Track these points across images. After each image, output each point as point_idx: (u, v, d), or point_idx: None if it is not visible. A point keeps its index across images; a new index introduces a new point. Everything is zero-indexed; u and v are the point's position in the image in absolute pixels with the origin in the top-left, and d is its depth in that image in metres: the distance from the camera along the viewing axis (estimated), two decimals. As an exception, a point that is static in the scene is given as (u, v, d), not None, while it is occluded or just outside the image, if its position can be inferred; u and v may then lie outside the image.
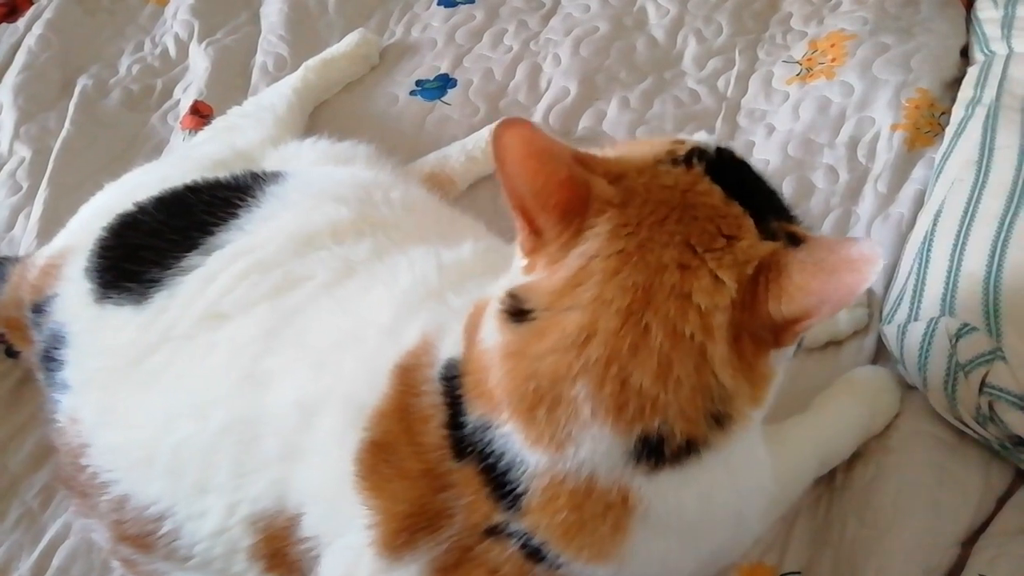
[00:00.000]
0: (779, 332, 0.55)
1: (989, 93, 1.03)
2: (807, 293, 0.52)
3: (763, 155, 1.10)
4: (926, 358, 0.81)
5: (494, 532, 0.59)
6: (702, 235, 0.55)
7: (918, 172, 1.04)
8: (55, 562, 0.85)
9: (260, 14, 1.39)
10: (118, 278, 0.77)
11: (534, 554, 0.59)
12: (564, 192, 0.56)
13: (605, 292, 0.55)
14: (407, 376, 0.63)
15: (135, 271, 0.77)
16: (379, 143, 1.03)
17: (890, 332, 0.87)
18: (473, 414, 0.59)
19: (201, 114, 1.21)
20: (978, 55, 1.14)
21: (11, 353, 0.94)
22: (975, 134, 0.98)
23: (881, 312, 0.91)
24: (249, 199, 0.79)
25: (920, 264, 0.89)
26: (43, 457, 0.91)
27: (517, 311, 0.57)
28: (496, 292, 0.60)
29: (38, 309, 0.82)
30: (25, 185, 1.16)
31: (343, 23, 1.36)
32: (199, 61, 1.31)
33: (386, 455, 0.62)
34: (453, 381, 0.61)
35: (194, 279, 0.75)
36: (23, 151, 1.20)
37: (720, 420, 0.56)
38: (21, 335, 0.87)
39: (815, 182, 1.06)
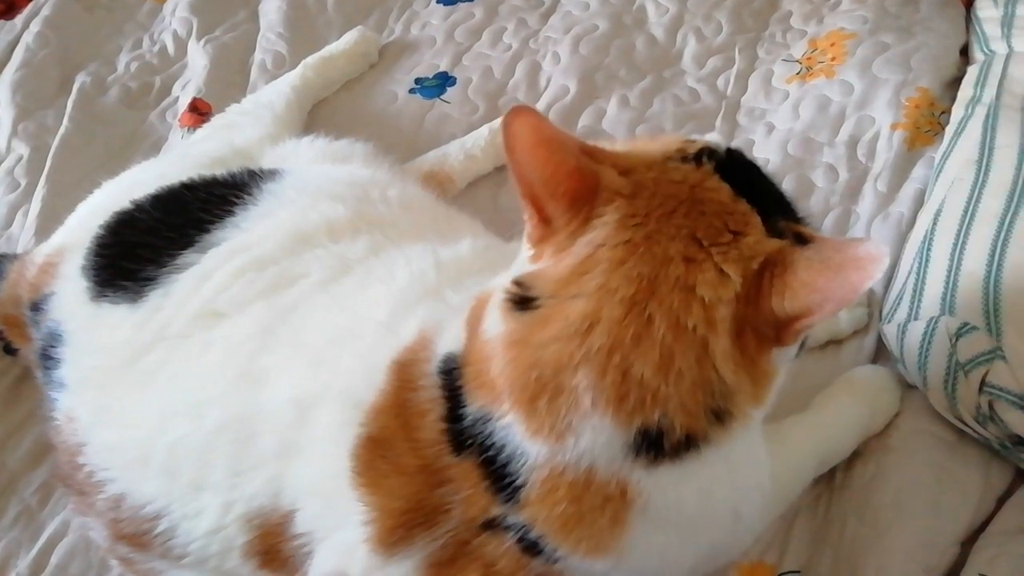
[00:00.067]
0: (781, 329, 0.55)
1: (989, 92, 1.03)
2: (811, 290, 0.52)
3: (763, 154, 1.10)
4: (926, 357, 0.81)
5: (491, 526, 0.59)
6: (709, 230, 0.56)
7: (918, 171, 1.04)
8: (53, 559, 0.84)
9: (259, 11, 1.39)
10: (114, 276, 0.77)
11: (531, 547, 0.58)
12: (573, 181, 0.56)
13: (610, 281, 0.55)
14: (404, 372, 0.63)
15: (131, 269, 0.77)
16: (378, 141, 1.03)
17: (890, 331, 0.86)
18: (473, 405, 0.59)
19: (200, 112, 1.21)
20: (978, 54, 1.14)
21: (9, 350, 0.94)
22: (975, 133, 0.98)
23: (881, 311, 0.91)
24: (246, 197, 0.79)
25: (920, 263, 0.89)
26: (41, 454, 0.91)
27: (522, 299, 0.57)
28: (500, 283, 0.60)
29: (36, 307, 0.82)
30: (23, 182, 1.16)
31: (342, 21, 1.36)
32: (198, 58, 1.31)
33: (383, 451, 0.62)
34: (452, 374, 0.61)
35: (189, 277, 0.74)
36: (21, 148, 1.20)
37: (720, 416, 0.56)
38: (20, 332, 0.87)
39: (815, 181, 1.06)
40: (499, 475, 0.58)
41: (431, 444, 0.60)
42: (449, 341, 0.63)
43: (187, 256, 0.75)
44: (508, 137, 0.56)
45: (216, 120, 1.11)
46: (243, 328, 0.71)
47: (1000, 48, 1.11)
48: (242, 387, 0.68)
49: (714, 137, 0.64)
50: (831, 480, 0.82)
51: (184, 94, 1.26)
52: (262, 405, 0.67)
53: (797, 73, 1.19)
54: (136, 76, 1.31)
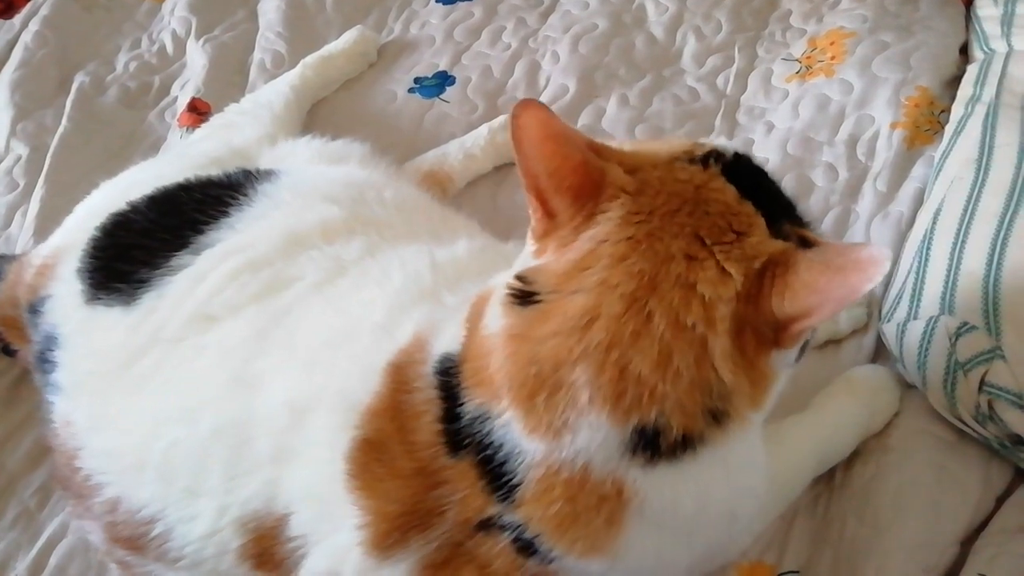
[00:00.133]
0: (780, 330, 0.55)
1: (989, 91, 1.03)
2: (811, 291, 0.52)
3: (762, 153, 1.09)
4: (925, 357, 0.81)
5: (487, 526, 0.59)
6: (712, 229, 0.56)
7: (918, 170, 1.04)
8: (52, 560, 0.84)
9: (258, 11, 1.39)
10: (108, 279, 0.77)
11: (526, 548, 0.58)
12: (578, 176, 0.57)
13: (611, 277, 0.55)
14: (400, 373, 0.63)
15: (125, 271, 0.76)
16: (377, 141, 1.03)
17: (889, 331, 0.86)
18: (471, 403, 0.59)
19: (199, 111, 1.21)
20: (978, 53, 1.14)
21: (8, 352, 0.94)
22: (975, 132, 0.98)
23: (880, 311, 0.91)
24: (241, 197, 0.79)
25: (920, 262, 0.89)
26: (40, 456, 0.91)
27: (523, 294, 0.57)
28: (502, 280, 0.60)
29: (33, 309, 0.82)
30: (22, 183, 1.16)
31: (341, 20, 1.35)
32: (197, 58, 1.30)
33: (378, 454, 0.61)
34: (449, 374, 0.61)
35: (183, 279, 0.74)
36: (20, 148, 1.20)
37: (718, 417, 0.56)
38: (18, 333, 0.87)
39: (814, 180, 1.06)
40: (496, 474, 0.58)
41: (427, 446, 0.60)
42: (446, 342, 0.63)
43: (181, 258, 0.75)
44: (516, 129, 0.56)
45: (215, 120, 1.11)
46: (237, 331, 0.71)
47: (1000, 47, 1.11)
48: (236, 391, 0.68)
49: (723, 141, 0.64)
50: (831, 480, 0.82)
51: (183, 94, 1.26)
52: (256, 409, 0.67)
53: (797, 72, 1.19)
54: (135, 76, 1.31)
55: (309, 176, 0.86)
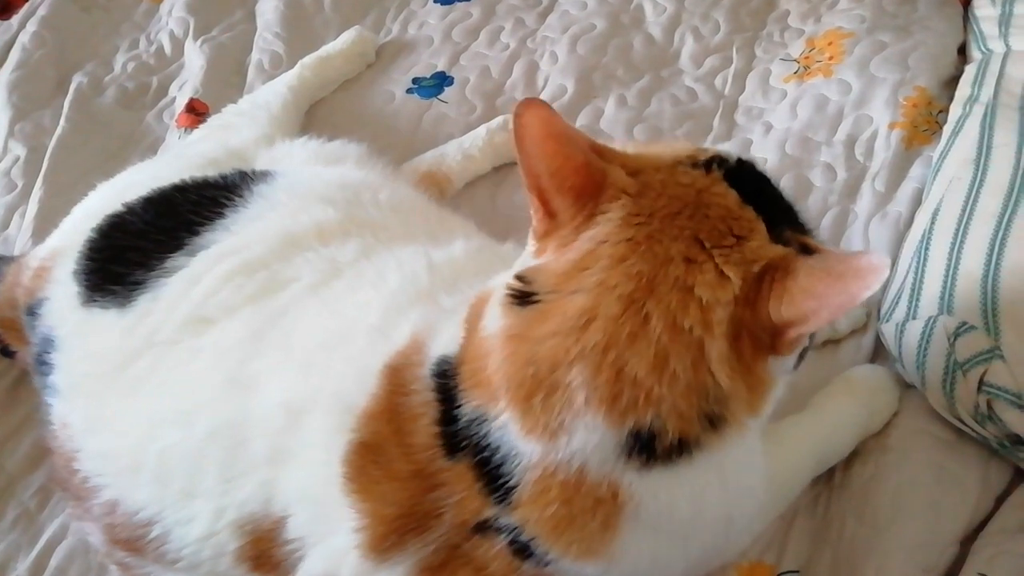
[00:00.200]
0: (776, 336, 0.55)
1: (987, 91, 1.03)
2: (809, 296, 0.52)
3: (761, 153, 1.10)
4: (924, 357, 0.81)
5: (483, 528, 0.59)
6: (712, 232, 0.56)
7: (916, 170, 1.04)
8: (52, 562, 0.84)
9: (256, 11, 1.39)
10: (104, 280, 0.77)
11: (523, 550, 0.58)
12: (580, 176, 0.57)
13: (610, 278, 0.55)
14: (396, 376, 0.63)
15: (120, 273, 0.76)
16: (375, 141, 1.03)
17: (888, 331, 0.86)
18: (468, 405, 0.59)
19: (197, 112, 1.21)
20: (975, 53, 1.14)
21: (7, 353, 0.94)
22: (973, 132, 0.98)
23: (879, 311, 0.91)
24: (236, 199, 0.79)
25: (918, 262, 0.89)
26: (40, 457, 0.90)
27: (523, 294, 0.57)
28: (502, 280, 0.60)
29: (31, 312, 0.82)
30: (20, 184, 1.16)
31: (339, 20, 1.35)
32: (195, 59, 1.30)
33: (375, 456, 0.61)
34: (446, 376, 0.61)
35: (178, 281, 0.74)
36: (18, 149, 1.19)
37: (714, 422, 0.55)
38: (17, 335, 0.87)
39: (813, 180, 1.06)
40: (493, 476, 0.58)
41: (424, 449, 0.60)
42: (443, 344, 0.63)
43: (176, 259, 0.75)
44: (518, 128, 0.56)
45: (212, 121, 1.11)
46: (232, 333, 0.71)
47: (998, 47, 1.11)
48: (232, 393, 0.68)
49: (726, 147, 0.64)
50: (830, 480, 0.82)
51: (181, 94, 1.26)
52: (252, 411, 0.67)
53: (795, 72, 1.19)
54: (133, 76, 1.31)
55: (305, 177, 0.86)
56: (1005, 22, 1.11)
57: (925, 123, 1.08)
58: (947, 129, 1.04)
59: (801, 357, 0.60)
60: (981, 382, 0.77)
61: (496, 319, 0.58)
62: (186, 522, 0.67)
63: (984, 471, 0.80)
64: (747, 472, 0.63)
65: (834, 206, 1.03)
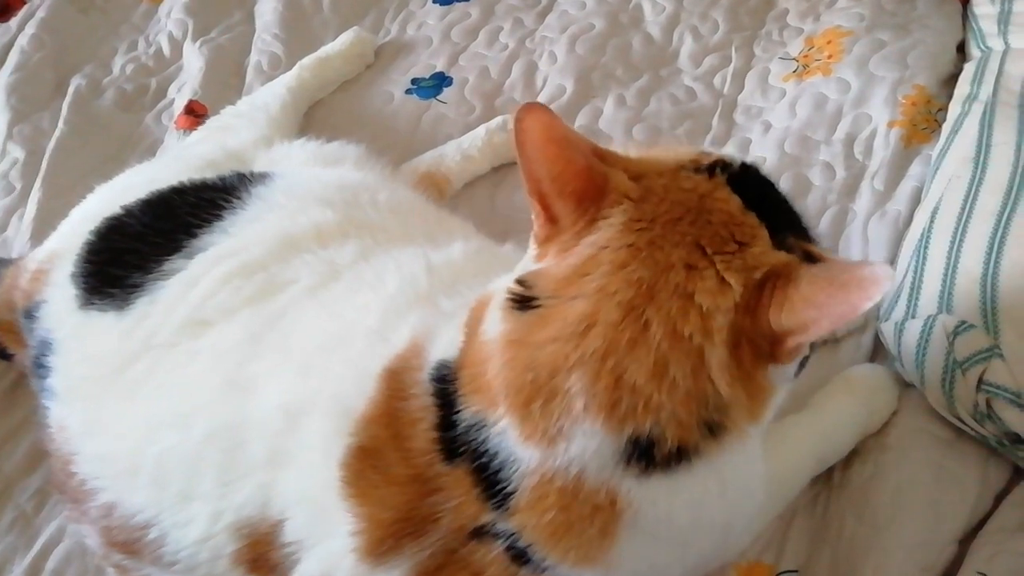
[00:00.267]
0: (776, 344, 0.54)
1: (986, 89, 1.03)
2: (810, 305, 0.52)
3: (760, 152, 1.09)
4: (923, 355, 0.81)
5: (480, 533, 0.58)
6: (714, 239, 0.55)
7: (915, 169, 1.03)
8: (49, 565, 0.84)
9: (254, 13, 1.39)
10: (102, 283, 0.77)
11: (520, 556, 0.58)
12: (581, 180, 0.56)
13: (610, 284, 0.54)
14: (395, 380, 0.63)
15: (118, 276, 0.76)
16: (374, 142, 1.03)
17: (887, 330, 0.86)
18: (468, 410, 0.58)
19: (196, 114, 1.21)
20: (974, 51, 1.14)
21: (5, 356, 0.94)
22: (972, 131, 0.98)
23: (878, 309, 0.91)
24: (234, 200, 0.79)
25: (917, 261, 0.88)
26: (37, 460, 0.90)
27: (523, 298, 0.57)
28: (502, 284, 0.59)
29: (29, 315, 0.82)
30: (18, 186, 1.16)
31: (338, 21, 1.35)
32: (193, 60, 1.30)
33: (373, 461, 0.61)
34: (445, 381, 0.60)
35: (176, 283, 0.74)
36: (16, 152, 1.20)
37: (714, 429, 0.55)
38: (15, 338, 0.87)
39: (812, 179, 1.06)
40: (491, 481, 0.57)
41: (422, 453, 0.59)
42: (442, 348, 0.62)
43: (174, 262, 0.75)
44: (519, 132, 0.56)
45: (211, 122, 1.11)
46: (230, 336, 0.70)
47: (997, 45, 1.11)
48: (230, 396, 0.68)
49: (730, 151, 0.64)
50: (829, 479, 0.82)
51: (180, 96, 1.26)
52: (250, 413, 0.66)
53: (794, 71, 1.19)
54: (132, 78, 1.31)
55: (303, 179, 0.86)
56: (1004, 20, 1.10)
57: (924, 121, 1.08)
58: (946, 127, 1.04)
59: (802, 365, 0.60)
60: (980, 381, 0.76)
61: (496, 323, 0.58)
62: (183, 525, 0.67)
63: (983, 470, 0.79)
64: (747, 479, 0.63)
65: (833, 205, 1.03)
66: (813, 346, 0.59)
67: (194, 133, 1.13)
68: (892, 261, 0.94)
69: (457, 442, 0.58)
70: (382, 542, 0.60)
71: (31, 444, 0.91)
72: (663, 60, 1.23)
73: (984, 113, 0.99)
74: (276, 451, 0.65)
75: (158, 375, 0.71)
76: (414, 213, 0.85)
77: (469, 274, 0.71)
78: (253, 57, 1.30)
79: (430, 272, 0.71)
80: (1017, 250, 0.81)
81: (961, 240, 0.86)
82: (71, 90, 1.27)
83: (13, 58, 1.31)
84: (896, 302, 0.88)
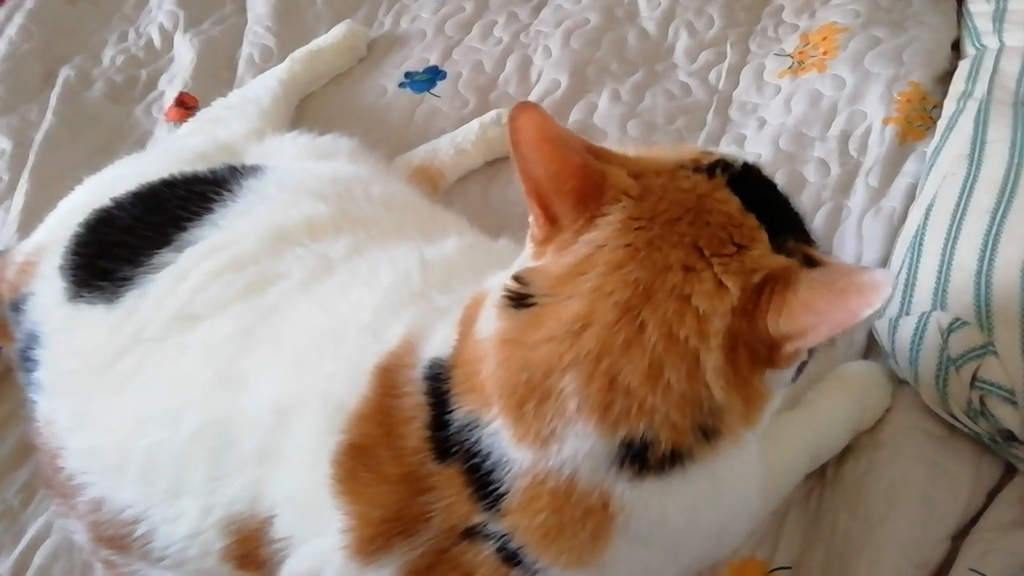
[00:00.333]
0: (773, 349, 0.54)
1: (980, 87, 1.03)
2: (809, 311, 0.51)
3: (755, 148, 1.09)
4: (917, 352, 0.81)
5: (471, 534, 0.58)
6: (712, 240, 0.54)
7: (910, 166, 1.03)
8: (36, 560, 0.83)
9: (246, 4, 1.38)
10: (91, 276, 0.76)
11: (511, 558, 0.57)
12: (579, 178, 0.56)
13: (606, 284, 0.54)
14: (388, 377, 0.62)
15: (108, 269, 0.75)
16: (367, 136, 1.02)
17: (881, 326, 0.86)
18: (460, 411, 0.58)
19: (186, 106, 1.20)
20: (969, 49, 1.14)
21: (-9, 349, 0.93)
22: (967, 128, 0.98)
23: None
24: (225, 194, 0.78)
25: (912, 258, 0.88)
26: (24, 454, 0.89)
27: (519, 296, 0.56)
28: (498, 282, 0.59)
29: (16, 307, 0.81)
30: (6, 177, 1.15)
31: (331, 14, 1.34)
32: (184, 52, 1.29)
33: (364, 458, 0.60)
34: (438, 380, 0.60)
35: (166, 277, 0.73)
36: (3, 143, 1.18)
37: (708, 434, 0.54)
38: (1, 331, 0.86)
39: (806, 175, 1.06)
40: (483, 482, 0.57)
41: (414, 452, 0.59)
42: (436, 346, 0.62)
43: (163, 255, 0.74)
44: (513, 133, 0.55)
45: (202, 115, 1.09)
46: (221, 330, 0.70)
47: (991, 43, 1.11)
48: (220, 391, 0.67)
49: (733, 150, 0.63)
50: (823, 476, 0.82)
51: (170, 88, 1.25)
52: (241, 409, 0.66)
53: (789, 67, 1.18)
54: (121, 70, 1.30)
55: (295, 172, 0.85)
56: (999, 18, 1.11)
57: (919, 118, 1.08)
58: (941, 124, 1.04)
59: (800, 370, 0.59)
60: (974, 378, 0.76)
61: (490, 322, 0.57)
62: (172, 520, 0.66)
63: (976, 467, 0.80)
64: (742, 483, 0.62)
65: (828, 201, 1.03)
66: (811, 351, 0.58)
67: (184, 125, 1.12)
68: (886, 258, 0.94)
69: (449, 442, 0.58)
70: (372, 540, 0.59)
71: (18, 438, 0.91)
72: (658, 55, 1.23)
73: (979, 110, 0.99)
74: (267, 448, 0.64)
75: (148, 369, 0.71)
76: (408, 207, 0.84)
77: (463, 270, 0.70)
78: (245, 49, 1.29)
79: (424, 268, 0.70)
80: (1011, 247, 0.81)
81: (956, 237, 0.86)
82: (60, 81, 1.26)
83: (1, 48, 1.30)
84: (890, 299, 0.87)
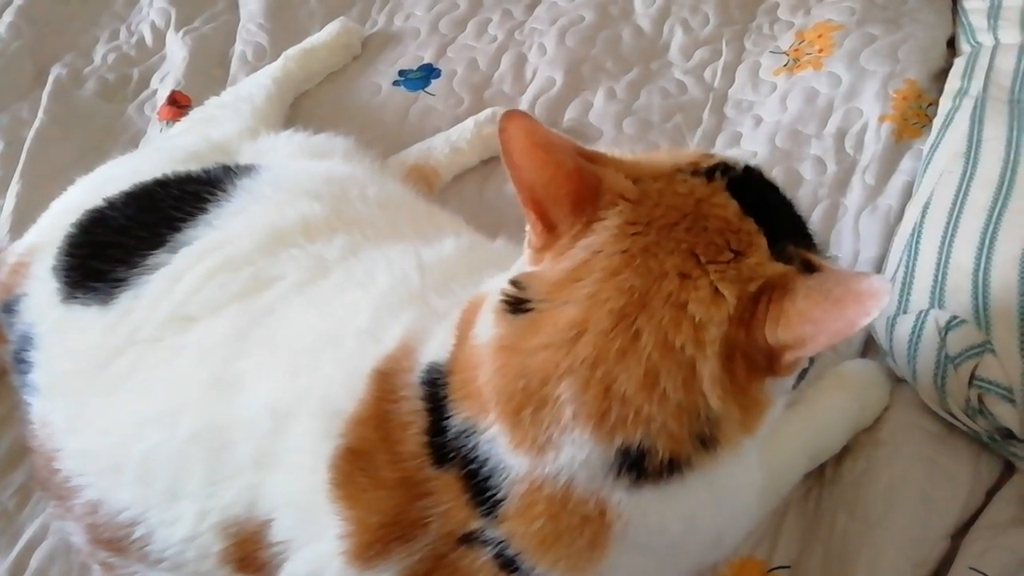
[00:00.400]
0: (772, 358, 0.53)
1: (976, 84, 1.03)
2: (806, 320, 0.50)
3: (750, 146, 1.09)
4: (915, 351, 0.81)
5: (469, 540, 0.57)
6: (709, 247, 0.54)
7: (906, 163, 1.03)
8: (33, 563, 0.83)
9: (239, 2, 1.36)
10: (85, 277, 0.75)
11: (509, 564, 0.57)
12: (574, 182, 0.55)
13: (602, 291, 0.53)
14: (386, 381, 0.61)
15: (101, 270, 0.74)
16: (361, 134, 1.02)
17: (879, 324, 0.86)
18: (458, 417, 0.57)
19: (179, 104, 1.19)
20: (964, 46, 1.14)
21: (-17, 350, 0.92)
22: (963, 125, 0.98)
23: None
24: (219, 194, 0.77)
25: (909, 256, 0.89)
26: (19, 456, 0.89)
27: (516, 301, 0.56)
28: (495, 286, 0.58)
29: (8, 309, 0.80)
30: (-3, 177, 1.14)
31: (324, 12, 1.33)
32: (176, 50, 1.28)
33: (362, 463, 0.60)
34: (436, 385, 0.59)
35: (160, 278, 0.73)
36: (-6, 143, 1.17)
37: (706, 443, 0.54)
38: (-6, 332, 0.85)
39: (803, 173, 1.06)
40: (480, 488, 0.56)
41: (412, 457, 0.58)
42: (434, 350, 0.61)
43: (158, 256, 0.73)
44: (504, 142, 0.54)
45: (195, 113, 1.09)
46: (216, 332, 0.69)
47: (987, 40, 1.11)
48: (216, 393, 0.66)
49: (735, 152, 0.62)
50: (821, 475, 0.82)
51: (163, 86, 1.24)
52: (237, 412, 0.65)
53: (784, 65, 1.18)
54: (113, 68, 1.29)
55: (290, 171, 0.84)
56: (994, 15, 1.11)
57: (915, 116, 1.08)
58: (937, 122, 1.04)
59: (801, 377, 0.59)
60: (972, 376, 0.76)
61: (488, 328, 0.57)
62: (170, 523, 0.66)
63: (975, 465, 0.80)
64: (741, 490, 0.62)
65: (824, 199, 1.03)
66: (813, 358, 0.58)
67: (177, 124, 1.11)
68: (883, 256, 0.94)
69: (447, 447, 0.57)
70: (370, 546, 0.59)
71: (13, 440, 0.90)
72: (653, 53, 1.23)
73: (975, 108, 0.99)
74: (264, 452, 0.64)
75: (142, 370, 0.70)
76: (404, 207, 0.84)
77: (461, 272, 0.69)
78: (238, 47, 1.28)
79: (422, 270, 0.70)
80: (1008, 245, 0.81)
81: (952, 235, 0.86)
82: (51, 79, 1.25)
83: (-10, 46, 1.29)
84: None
